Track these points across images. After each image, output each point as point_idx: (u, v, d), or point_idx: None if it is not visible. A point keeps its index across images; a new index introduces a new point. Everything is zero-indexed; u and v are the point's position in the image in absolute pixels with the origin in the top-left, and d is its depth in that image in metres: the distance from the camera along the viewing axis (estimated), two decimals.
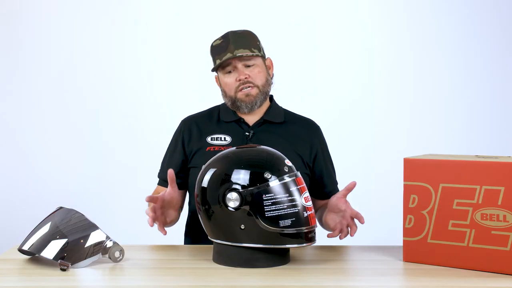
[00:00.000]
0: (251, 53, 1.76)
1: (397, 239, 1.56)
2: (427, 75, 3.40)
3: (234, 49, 1.75)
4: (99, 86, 3.32)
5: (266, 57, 1.86)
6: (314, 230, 1.41)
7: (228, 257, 1.41)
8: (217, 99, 1.94)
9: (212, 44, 1.83)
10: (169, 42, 3.34)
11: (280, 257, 1.43)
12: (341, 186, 1.91)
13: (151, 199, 1.56)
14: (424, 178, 1.44)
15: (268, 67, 1.85)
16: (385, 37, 3.39)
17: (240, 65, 1.77)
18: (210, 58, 1.85)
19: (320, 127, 1.93)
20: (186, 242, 1.92)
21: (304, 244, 1.39)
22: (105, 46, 3.32)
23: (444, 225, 1.41)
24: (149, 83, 3.33)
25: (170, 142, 1.92)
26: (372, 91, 3.39)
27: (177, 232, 1.91)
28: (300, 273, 1.37)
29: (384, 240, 1.83)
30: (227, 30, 1.85)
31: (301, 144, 1.83)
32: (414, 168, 1.45)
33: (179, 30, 3.33)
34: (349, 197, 1.62)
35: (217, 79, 1.87)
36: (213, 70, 1.83)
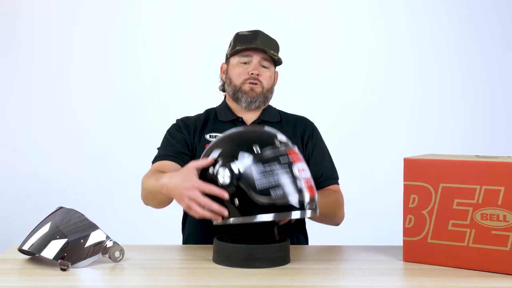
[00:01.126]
0: (273, 54, 1.81)
1: (397, 239, 1.56)
2: (427, 75, 3.40)
3: (260, 44, 1.80)
4: (98, 86, 3.31)
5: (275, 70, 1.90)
6: (310, 200, 1.37)
7: (227, 257, 1.41)
8: (218, 100, 1.94)
9: (238, 33, 1.86)
10: (169, 42, 3.34)
11: (280, 257, 1.42)
12: (342, 186, 1.91)
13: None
14: (424, 178, 1.44)
15: (274, 78, 1.89)
16: (385, 37, 3.39)
17: (257, 60, 1.81)
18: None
19: (315, 124, 1.93)
20: (183, 237, 1.90)
21: (299, 215, 1.34)
22: (105, 46, 3.32)
23: (444, 225, 1.41)
24: (149, 83, 3.32)
25: (167, 135, 1.86)
26: (372, 91, 3.39)
27: (176, 232, 1.91)
28: (300, 273, 1.37)
29: (384, 240, 1.82)
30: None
31: (296, 140, 1.84)
32: (414, 168, 1.45)
33: (179, 30, 3.33)
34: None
35: (224, 68, 1.89)
36: (231, 54, 1.84)
